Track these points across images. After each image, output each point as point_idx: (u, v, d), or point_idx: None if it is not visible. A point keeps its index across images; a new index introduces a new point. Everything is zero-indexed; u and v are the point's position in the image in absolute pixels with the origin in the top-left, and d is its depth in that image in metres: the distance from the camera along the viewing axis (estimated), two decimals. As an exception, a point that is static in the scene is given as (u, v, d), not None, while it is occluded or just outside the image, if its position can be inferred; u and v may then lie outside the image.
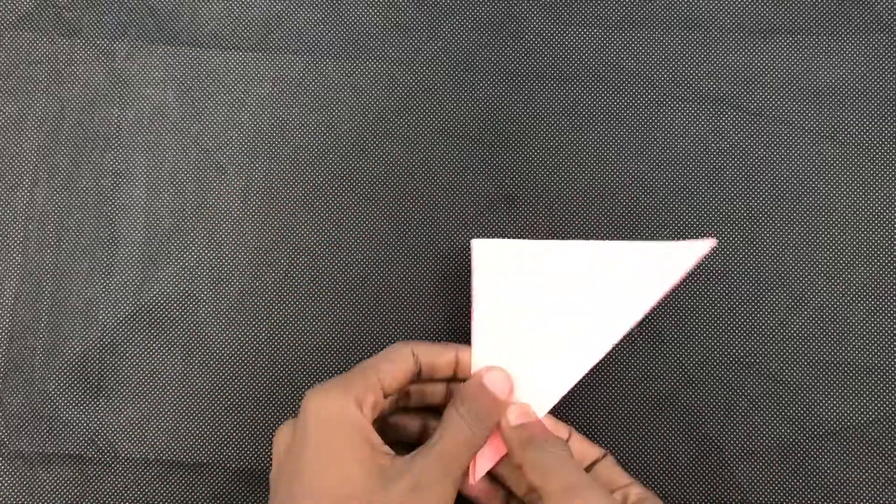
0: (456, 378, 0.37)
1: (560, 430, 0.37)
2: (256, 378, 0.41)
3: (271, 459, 0.34)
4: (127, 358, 0.41)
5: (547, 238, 0.39)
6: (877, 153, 0.41)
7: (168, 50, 0.43)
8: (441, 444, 0.33)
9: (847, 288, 0.40)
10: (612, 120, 0.42)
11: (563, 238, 0.39)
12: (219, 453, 0.40)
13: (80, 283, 0.42)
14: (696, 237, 0.41)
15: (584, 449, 0.37)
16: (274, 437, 0.34)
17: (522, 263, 0.37)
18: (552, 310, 0.36)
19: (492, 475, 0.37)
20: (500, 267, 0.37)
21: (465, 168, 0.42)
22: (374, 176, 0.42)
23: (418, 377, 0.36)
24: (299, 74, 0.43)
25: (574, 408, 0.40)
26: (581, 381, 0.39)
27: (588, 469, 0.36)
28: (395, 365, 0.34)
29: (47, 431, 0.41)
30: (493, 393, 0.35)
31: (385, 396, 0.34)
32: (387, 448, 0.33)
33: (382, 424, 0.37)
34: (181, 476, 0.40)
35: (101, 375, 0.41)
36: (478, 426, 0.34)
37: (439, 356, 0.36)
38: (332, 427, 0.32)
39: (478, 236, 0.40)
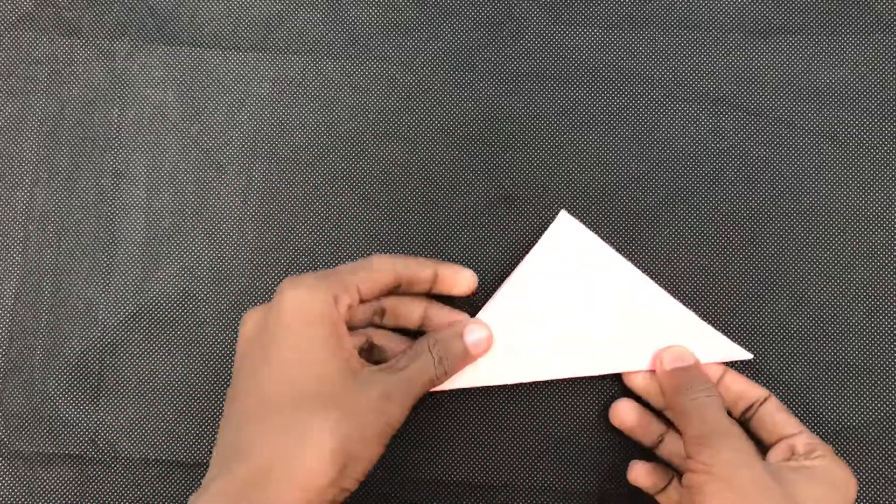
0: (431, 294, 0.37)
1: (712, 369, 0.37)
2: (256, 378, 0.41)
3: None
4: (127, 358, 0.41)
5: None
6: (877, 153, 0.41)
7: (168, 50, 0.43)
8: (408, 370, 0.33)
9: (847, 288, 0.40)
10: (612, 120, 0.42)
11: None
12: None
13: (80, 283, 0.42)
14: (696, 237, 0.41)
15: (743, 390, 0.37)
16: (241, 322, 0.34)
17: (586, 257, 0.39)
18: (580, 310, 0.38)
19: (651, 409, 0.38)
20: (566, 248, 0.39)
21: (465, 168, 0.42)
22: (374, 176, 0.42)
23: (396, 290, 0.36)
24: (299, 74, 0.43)
25: (574, 406, 0.40)
26: (584, 381, 0.39)
27: (748, 413, 0.36)
28: (373, 273, 0.34)
29: (47, 431, 0.41)
30: (468, 347, 0.36)
31: (361, 301, 0.34)
32: (355, 350, 0.33)
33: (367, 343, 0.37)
34: (181, 476, 0.40)
35: (101, 375, 0.41)
36: (441, 370, 0.35)
37: (419, 270, 0.36)
38: (309, 319, 0.32)
39: (477, 236, 0.41)
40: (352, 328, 0.35)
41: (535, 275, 0.38)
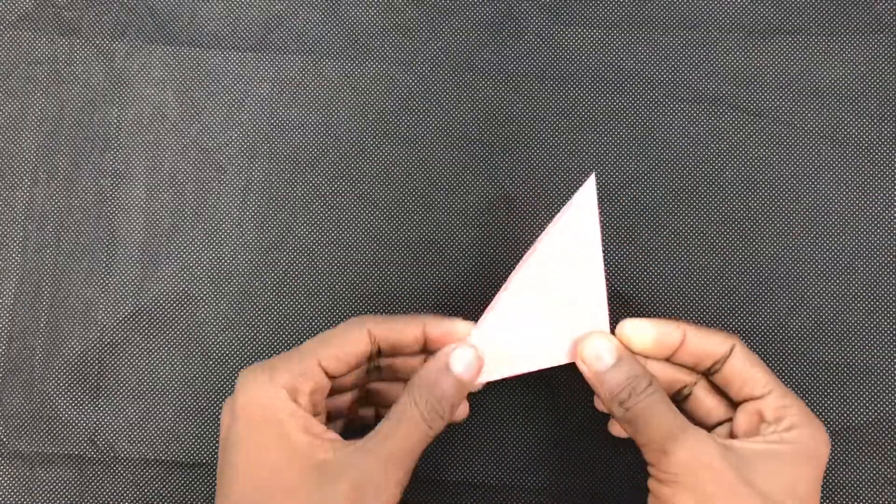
0: (427, 351, 0.33)
1: (672, 332, 0.33)
2: (256, 378, 0.41)
3: None
4: (126, 358, 0.41)
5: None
6: (877, 153, 0.41)
7: (167, 50, 0.43)
8: (391, 441, 0.29)
9: (847, 288, 0.40)
10: (612, 120, 0.42)
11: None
12: (218, 453, 0.40)
13: (80, 284, 0.42)
14: (696, 237, 0.41)
15: (706, 349, 0.32)
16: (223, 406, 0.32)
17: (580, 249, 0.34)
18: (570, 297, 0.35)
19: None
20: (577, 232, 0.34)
21: (465, 168, 0.42)
22: (374, 176, 0.42)
23: (378, 355, 0.33)
24: (299, 74, 0.43)
25: (574, 407, 0.40)
26: (584, 381, 0.39)
27: (713, 369, 0.33)
28: (340, 349, 0.31)
29: (47, 431, 0.41)
30: (460, 377, 0.31)
31: (333, 378, 0.32)
32: (332, 435, 0.30)
33: (366, 392, 0.36)
34: (181, 476, 0.40)
35: (101, 375, 0.41)
36: (435, 419, 0.30)
37: (402, 333, 0.32)
38: (258, 420, 0.30)
39: (477, 236, 0.41)
40: (342, 390, 0.34)
41: (552, 254, 0.34)
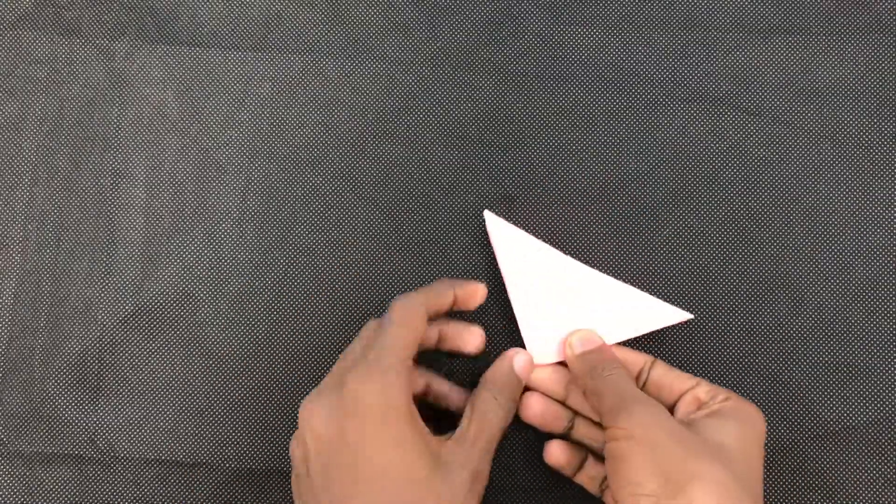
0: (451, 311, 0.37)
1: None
2: (256, 378, 0.41)
3: (295, 451, 0.33)
4: (126, 358, 0.41)
5: (547, 237, 0.39)
6: (877, 153, 0.41)
7: (168, 50, 0.43)
8: (488, 430, 0.34)
9: (847, 288, 0.40)
10: (612, 120, 0.42)
11: (562, 237, 0.40)
12: (218, 453, 0.40)
13: (80, 283, 0.42)
14: (696, 237, 0.41)
15: (628, 359, 0.37)
16: (304, 411, 0.33)
17: (519, 252, 0.39)
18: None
19: (553, 398, 0.38)
20: (515, 245, 0.39)
21: (465, 168, 0.42)
22: (374, 175, 0.42)
23: None
24: (299, 74, 0.43)
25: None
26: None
27: (639, 379, 0.37)
28: (414, 335, 0.34)
29: (47, 431, 0.41)
30: (521, 377, 0.37)
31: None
32: (430, 433, 0.33)
33: None
34: (180, 476, 0.40)
35: (101, 375, 0.41)
36: (511, 409, 0.36)
37: (443, 300, 0.36)
38: (393, 424, 0.32)
39: (477, 236, 0.41)
40: None
41: (517, 272, 0.39)
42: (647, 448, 0.31)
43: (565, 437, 0.38)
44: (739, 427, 0.33)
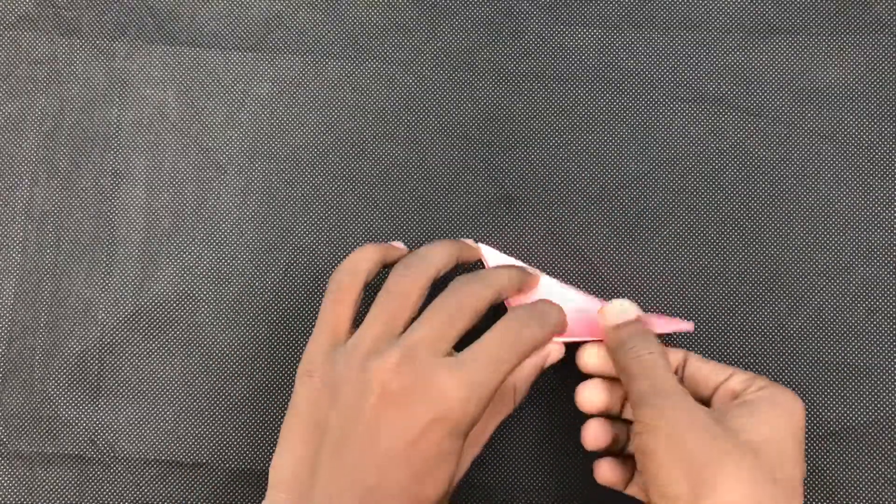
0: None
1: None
2: (256, 378, 0.41)
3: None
4: (126, 358, 0.41)
5: (547, 237, 0.39)
6: (877, 153, 0.41)
7: (168, 50, 0.43)
8: (493, 425, 0.35)
9: (847, 288, 0.40)
10: (612, 120, 0.42)
11: (562, 237, 0.40)
12: (218, 453, 0.40)
13: (80, 283, 0.42)
14: (696, 237, 0.41)
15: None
16: (378, 362, 0.31)
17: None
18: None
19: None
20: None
21: (465, 168, 0.42)
22: (374, 176, 0.42)
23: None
24: (299, 74, 0.43)
25: (575, 408, 0.40)
26: (580, 379, 0.39)
27: (677, 373, 0.35)
28: (509, 370, 0.33)
29: (47, 431, 0.41)
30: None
31: None
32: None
33: None
34: (181, 476, 0.40)
35: (101, 375, 0.41)
36: (518, 404, 0.36)
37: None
38: (460, 427, 0.31)
39: (477, 236, 0.40)
40: None
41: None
42: (672, 444, 0.30)
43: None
44: (773, 417, 0.32)
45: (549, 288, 0.37)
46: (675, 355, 0.36)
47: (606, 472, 0.36)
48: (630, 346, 0.33)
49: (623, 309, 0.35)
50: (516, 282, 0.35)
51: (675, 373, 0.35)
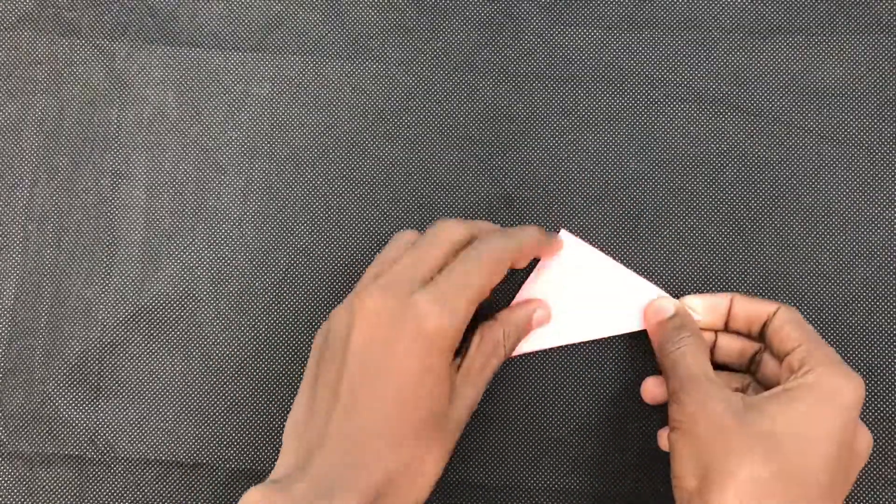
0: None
1: (719, 301, 0.37)
2: (256, 378, 0.41)
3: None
4: (127, 358, 0.41)
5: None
6: (877, 153, 0.41)
7: (168, 50, 0.43)
8: (491, 365, 0.35)
9: (847, 288, 0.40)
10: (612, 120, 0.42)
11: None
12: (218, 453, 0.40)
13: (80, 284, 0.42)
14: (696, 237, 0.41)
15: (750, 313, 0.36)
16: (362, 308, 0.32)
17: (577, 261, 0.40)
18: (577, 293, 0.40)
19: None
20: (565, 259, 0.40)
21: (465, 168, 0.42)
22: (374, 176, 0.42)
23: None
24: (299, 74, 0.43)
25: (574, 407, 0.40)
26: (584, 381, 0.39)
27: (763, 331, 0.36)
28: (492, 284, 0.34)
29: (47, 432, 0.41)
30: (533, 327, 0.38)
31: None
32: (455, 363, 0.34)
33: None
34: (181, 476, 0.40)
35: (101, 376, 0.41)
36: (511, 351, 0.37)
37: (526, 256, 0.36)
38: (441, 346, 0.32)
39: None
40: None
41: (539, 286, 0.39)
42: (689, 440, 0.32)
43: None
44: (807, 410, 0.31)
45: (598, 262, 0.40)
46: (722, 299, 0.37)
47: (653, 391, 0.37)
48: (665, 342, 0.35)
49: (659, 307, 0.37)
50: (537, 239, 0.36)
51: (763, 328, 0.36)
